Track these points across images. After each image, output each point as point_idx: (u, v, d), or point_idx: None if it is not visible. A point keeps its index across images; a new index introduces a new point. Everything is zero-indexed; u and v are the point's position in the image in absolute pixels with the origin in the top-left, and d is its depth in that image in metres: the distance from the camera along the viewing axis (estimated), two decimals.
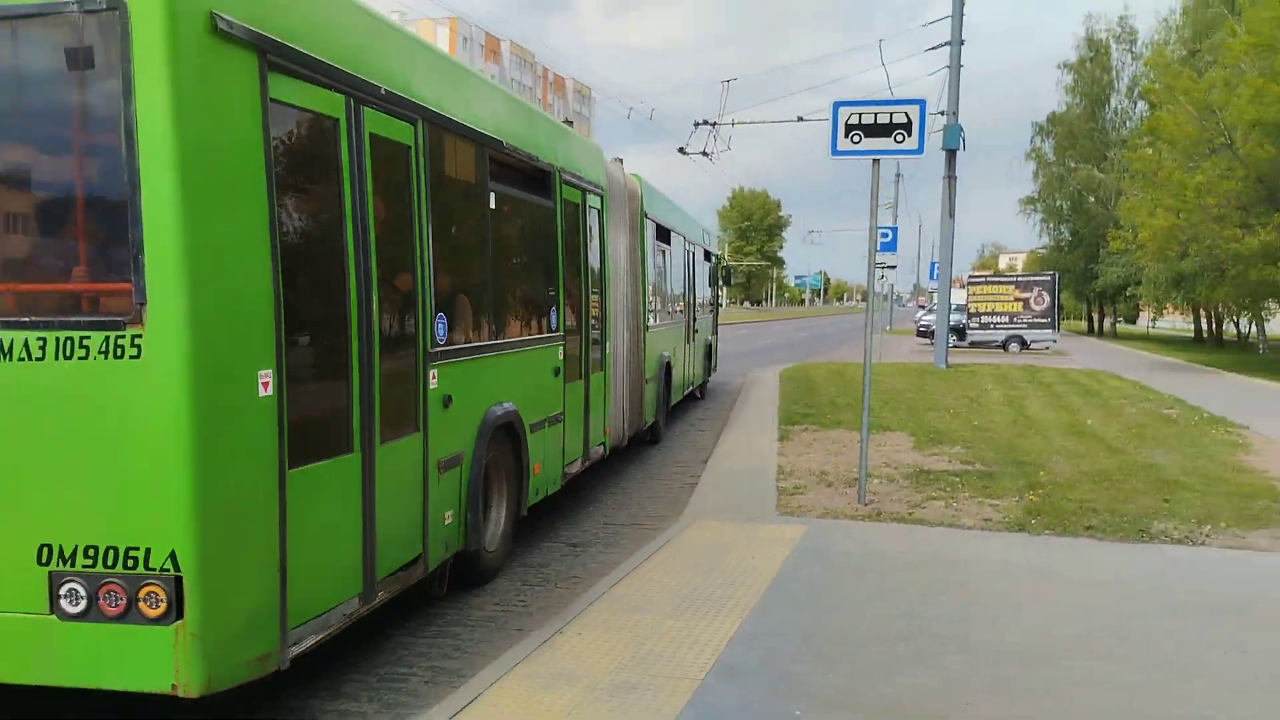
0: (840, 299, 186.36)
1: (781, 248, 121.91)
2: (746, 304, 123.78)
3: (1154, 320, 61.05)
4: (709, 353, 17.67)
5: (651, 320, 11.40)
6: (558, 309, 7.72)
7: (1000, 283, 34.71)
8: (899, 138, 7.64)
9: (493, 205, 6.38)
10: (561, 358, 7.69)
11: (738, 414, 14.41)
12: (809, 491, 8.53)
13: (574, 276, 8.15)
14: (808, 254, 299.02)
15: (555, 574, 6.60)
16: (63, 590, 3.56)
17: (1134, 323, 68.40)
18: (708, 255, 17.64)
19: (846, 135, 7.73)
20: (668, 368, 12.55)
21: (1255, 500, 8.27)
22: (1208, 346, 42.15)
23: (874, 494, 8.34)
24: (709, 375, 18.16)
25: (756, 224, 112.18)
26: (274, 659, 3.89)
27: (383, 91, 4.77)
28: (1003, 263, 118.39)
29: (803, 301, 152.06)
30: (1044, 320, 33.01)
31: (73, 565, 3.55)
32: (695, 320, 15.37)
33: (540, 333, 7.38)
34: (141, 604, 3.52)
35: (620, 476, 10.00)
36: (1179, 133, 23.72)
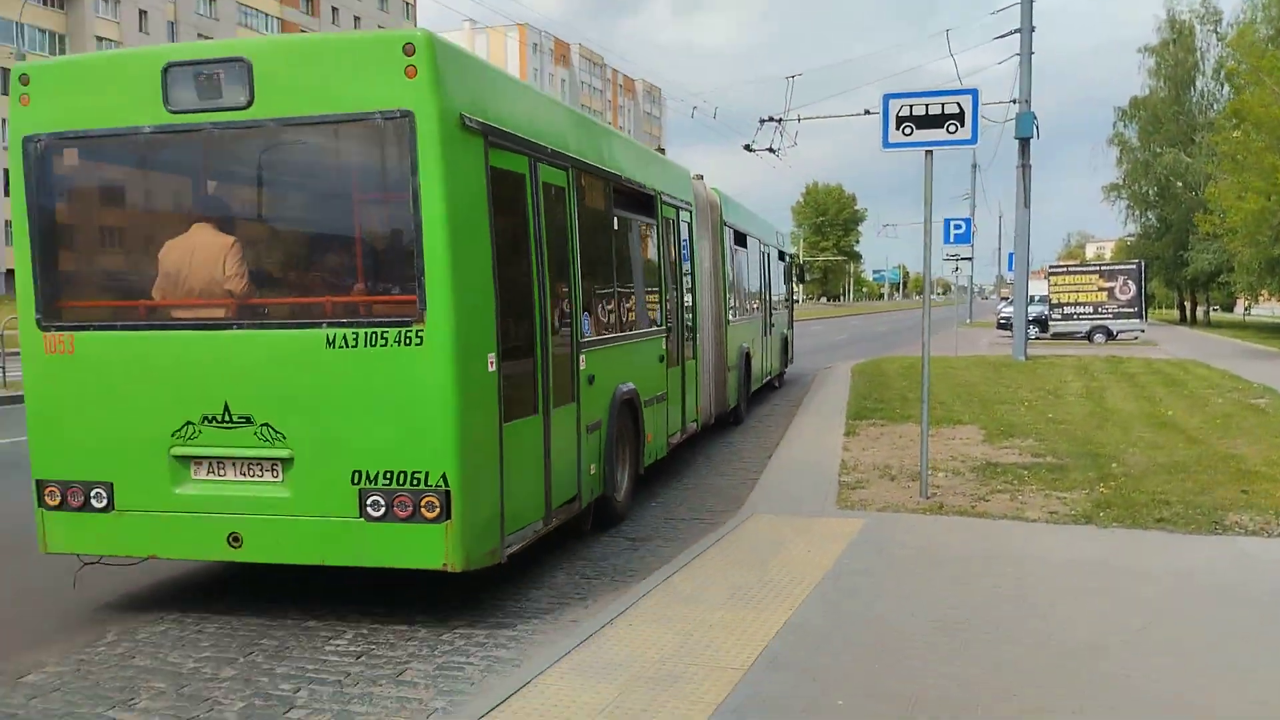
0: (920, 293, 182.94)
1: (858, 242, 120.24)
2: (824, 299, 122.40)
3: (1248, 308, 58.51)
4: (785, 345, 18.89)
5: (731, 316, 12.66)
6: (661, 307, 9.29)
7: (1083, 272, 33.70)
8: (951, 128, 7.56)
9: (615, 226, 8.07)
10: (665, 348, 9.23)
11: (806, 408, 14.34)
12: (871, 485, 8.47)
13: (672, 280, 9.66)
14: (885, 248, 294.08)
15: (613, 568, 6.70)
16: (369, 501, 5.16)
17: (1231, 310, 65.74)
18: (782, 255, 18.83)
19: (898, 128, 7.68)
20: (747, 358, 13.86)
21: None
22: None
23: (937, 487, 8.25)
24: (786, 366, 19.43)
25: (832, 219, 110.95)
26: (497, 554, 5.49)
27: (549, 150, 6.41)
28: (1090, 251, 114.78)
29: (881, 296, 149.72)
30: (1130, 309, 31.96)
31: (376, 484, 5.16)
32: (771, 315, 16.61)
33: (650, 327, 8.98)
34: (423, 509, 5.10)
35: (684, 472, 10.07)
36: (1265, 114, 22.77)
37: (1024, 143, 23.51)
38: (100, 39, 61.38)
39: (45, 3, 59.08)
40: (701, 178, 12.08)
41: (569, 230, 6.75)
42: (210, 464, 5.46)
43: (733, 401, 12.84)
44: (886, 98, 7.80)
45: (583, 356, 6.87)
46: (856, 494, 8.14)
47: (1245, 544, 6.49)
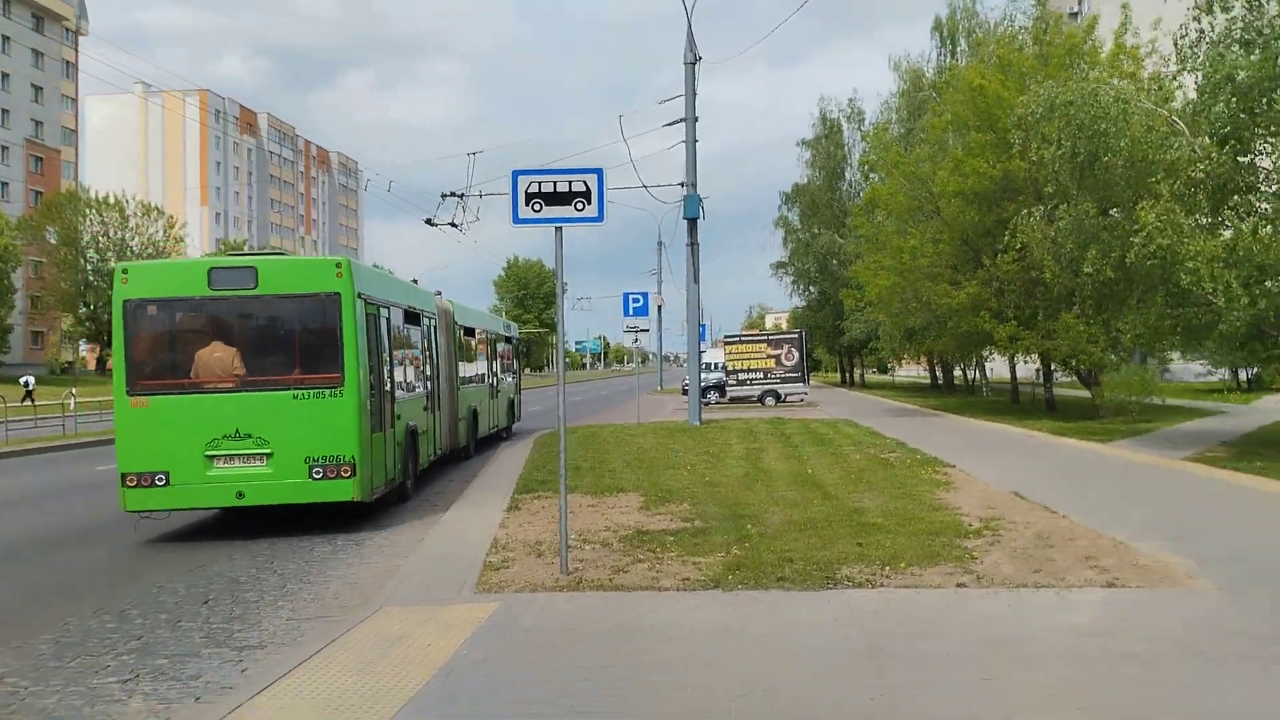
0: (621, 362, 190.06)
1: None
2: (528, 370, 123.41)
3: (893, 370, 65.85)
4: (511, 406, 24.47)
5: (462, 384, 18.09)
6: (425, 377, 14.96)
7: (753, 341, 36.34)
8: (579, 206, 7.62)
9: (405, 332, 13.70)
10: (425, 403, 14.76)
11: (475, 486, 13.92)
12: (515, 564, 8.16)
13: (428, 361, 15.29)
14: (585, 320, 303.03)
15: (208, 686, 5.84)
16: (313, 470, 10.41)
17: (886, 372, 73.71)
18: (508, 339, 24.53)
19: (528, 204, 7.62)
20: (474, 413, 19.34)
21: (939, 537, 8.69)
22: (941, 392, 45.90)
23: (582, 561, 8.09)
24: (514, 421, 24.82)
25: (533, 292, 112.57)
26: (370, 496, 10.97)
27: (383, 301, 12.12)
28: (769, 321, 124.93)
29: (584, 366, 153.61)
30: (795, 374, 34.78)
31: (317, 462, 10.41)
32: (498, 384, 22.42)
33: (420, 390, 14.54)
34: (341, 472, 10.45)
35: (328, 561, 9.27)
36: (893, 202, 25.83)
37: (692, 223, 24.97)
38: None
39: None
40: (440, 294, 17.85)
41: (390, 338, 12.39)
42: (226, 458, 10.38)
43: (463, 441, 18.23)
44: (515, 174, 7.75)
45: (396, 405, 12.37)
46: (498, 575, 7.78)
47: (852, 596, 6.83)
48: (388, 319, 12.26)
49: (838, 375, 70.48)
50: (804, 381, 35.47)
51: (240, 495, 10.35)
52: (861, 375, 63.41)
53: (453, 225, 26.39)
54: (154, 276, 11.06)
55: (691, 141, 25.13)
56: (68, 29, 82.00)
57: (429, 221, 26.43)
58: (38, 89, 78.39)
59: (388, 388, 12.00)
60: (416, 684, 5.23)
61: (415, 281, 16.34)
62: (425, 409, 14.65)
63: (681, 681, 5.14)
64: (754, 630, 6.09)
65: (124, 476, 10.29)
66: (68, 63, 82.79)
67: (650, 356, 65.68)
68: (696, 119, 25.15)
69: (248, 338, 10.89)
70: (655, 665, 5.44)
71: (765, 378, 34.62)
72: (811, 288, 55.55)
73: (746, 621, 6.29)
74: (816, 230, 51.72)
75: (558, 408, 8.16)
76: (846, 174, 53.17)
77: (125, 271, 10.70)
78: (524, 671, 5.43)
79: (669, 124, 26.08)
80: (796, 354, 34.70)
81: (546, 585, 7.37)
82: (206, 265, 10.97)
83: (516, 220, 7.76)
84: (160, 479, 10.25)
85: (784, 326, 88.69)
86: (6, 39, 74.37)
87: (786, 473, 13.83)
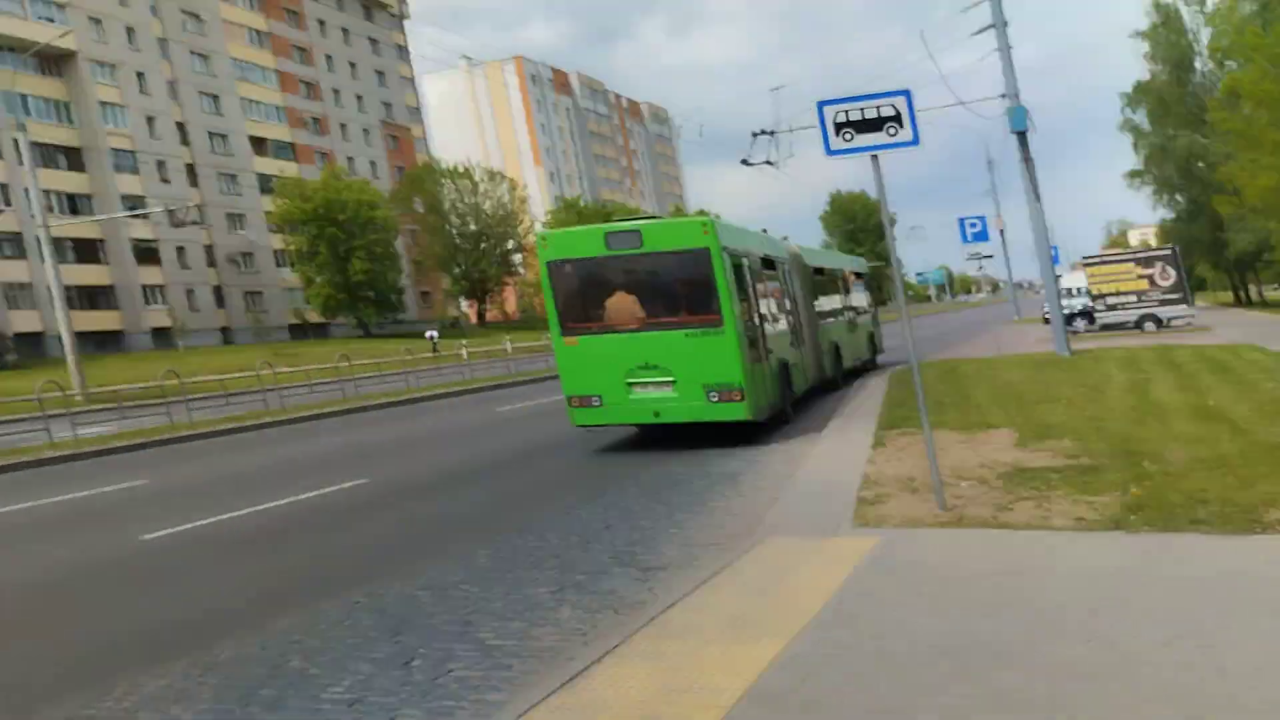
0: (968, 292, 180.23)
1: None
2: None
3: None
4: (871, 339, 25.59)
5: (821, 321, 19.51)
6: (788, 315, 16.59)
7: (1119, 261, 32.72)
8: (891, 130, 7.39)
9: (765, 276, 15.32)
10: (790, 339, 16.33)
11: (837, 423, 14.01)
12: (891, 500, 8.18)
13: (789, 301, 16.95)
14: (924, 250, 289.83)
15: (621, 600, 6.51)
16: (710, 395, 12.54)
17: None
18: (858, 275, 25.57)
19: (838, 134, 7.51)
20: (836, 348, 20.55)
21: None
22: None
23: (960, 498, 7.93)
24: (875, 354, 26.01)
25: (861, 225, 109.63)
26: (759, 417, 13.08)
27: (744, 251, 13.98)
28: (1133, 238, 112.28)
29: (928, 298, 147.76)
30: (1175, 295, 30.99)
31: (713, 387, 12.52)
32: (856, 319, 23.70)
33: (784, 327, 16.06)
34: (734, 397, 12.49)
35: (707, 494, 9.87)
36: (1259, 90, 21.96)
37: (1021, 136, 22.92)
38: (104, 103, 60.73)
39: (42, 72, 58.19)
40: (787, 238, 19.23)
41: (753, 282, 14.08)
42: (642, 385, 12.73)
43: (830, 373, 19.47)
44: (820, 105, 7.63)
45: (767, 340, 14.17)
46: (875, 510, 7.85)
47: None
48: (749, 266, 13.94)
49: (1229, 294, 61.77)
50: (1187, 302, 31.51)
51: (656, 414, 12.77)
52: (1259, 292, 55.13)
53: (768, 163, 26.28)
54: (566, 242, 13.36)
55: (1005, 48, 23.07)
56: (392, 14, 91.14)
57: (745, 161, 26.53)
58: (380, 74, 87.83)
59: (758, 325, 13.78)
60: (810, 611, 5.47)
61: (765, 231, 17.68)
62: (791, 344, 16.22)
63: (1090, 625, 4.92)
64: (1164, 574, 5.65)
65: (569, 399, 13.16)
66: (399, 46, 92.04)
67: (1000, 284, 61.53)
68: (1006, 24, 23.04)
69: (641, 287, 12.98)
70: (1056, 607, 5.24)
71: (1139, 300, 31.18)
72: (1178, 196, 48.89)
73: (1154, 565, 5.85)
74: (1171, 131, 45.23)
75: (905, 341, 8.01)
76: (1196, 65, 45.78)
77: (545, 239, 13.34)
78: (916, 605, 5.47)
79: (977, 32, 24.09)
80: (1173, 272, 30.84)
81: (926, 521, 7.32)
82: (603, 230, 13.06)
83: (829, 152, 7.66)
84: (595, 400, 12.92)
85: (1151, 243, 79.07)
86: (346, 30, 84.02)
87: (1183, 405, 12.49)
